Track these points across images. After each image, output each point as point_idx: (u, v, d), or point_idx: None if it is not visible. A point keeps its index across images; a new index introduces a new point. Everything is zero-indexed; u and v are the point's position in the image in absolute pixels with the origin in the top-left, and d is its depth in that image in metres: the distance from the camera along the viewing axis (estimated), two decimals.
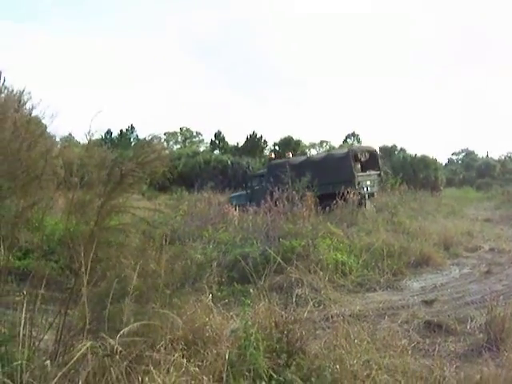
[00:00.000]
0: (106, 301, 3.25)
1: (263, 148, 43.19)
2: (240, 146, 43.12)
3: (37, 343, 3.12)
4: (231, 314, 4.27)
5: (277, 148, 40.52)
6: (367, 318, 5.34)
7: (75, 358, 2.74)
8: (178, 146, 51.14)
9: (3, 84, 4.72)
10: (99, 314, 3.27)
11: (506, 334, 4.53)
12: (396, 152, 37.89)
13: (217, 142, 46.39)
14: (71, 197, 3.49)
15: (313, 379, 3.36)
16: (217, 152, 42.76)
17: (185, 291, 4.91)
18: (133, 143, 39.58)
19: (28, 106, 4.64)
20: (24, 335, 2.93)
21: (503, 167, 43.63)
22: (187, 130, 53.85)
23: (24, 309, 3.02)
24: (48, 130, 4.44)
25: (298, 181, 12.51)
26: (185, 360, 3.16)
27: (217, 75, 79.25)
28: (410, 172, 29.38)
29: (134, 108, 70.49)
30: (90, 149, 3.83)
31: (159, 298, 3.66)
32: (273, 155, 23.36)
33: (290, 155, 18.81)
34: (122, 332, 2.99)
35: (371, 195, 16.08)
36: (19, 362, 2.73)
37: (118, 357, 2.90)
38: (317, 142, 50.62)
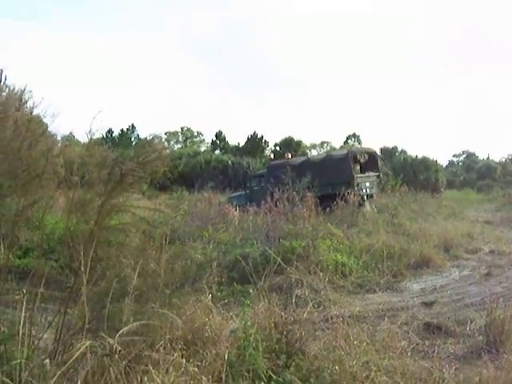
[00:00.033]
0: (106, 300, 3.25)
1: (264, 148, 43.20)
2: (241, 146, 43.14)
3: (36, 342, 3.12)
4: (231, 314, 4.27)
5: (278, 148, 40.52)
6: (367, 319, 5.34)
7: (74, 357, 2.74)
8: (179, 146, 51.19)
9: (4, 82, 4.72)
10: (99, 313, 3.27)
11: (505, 337, 4.52)
12: (397, 153, 37.86)
13: (218, 142, 46.42)
14: (71, 196, 3.49)
15: (312, 380, 3.36)
16: (217, 152, 42.79)
17: (184, 291, 4.90)
18: (134, 142, 39.59)
19: (29, 104, 4.65)
20: (23, 334, 2.94)
21: (504, 169, 43.60)
22: (188, 129, 53.93)
23: (23, 307, 3.02)
24: (49, 129, 4.45)
25: (299, 181, 12.51)
26: (184, 360, 3.16)
27: (217, 75, 79.49)
28: (410, 173, 29.36)
29: (135, 108, 70.65)
30: (91, 148, 3.83)
31: (159, 298, 3.66)
32: (272, 156, 23.34)
33: (289, 156, 18.78)
34: (121, 331, 2.99)
35: (370, 197, 16.08)
36: (18, 360, 2.73)
37: (117, 356, 2.90)
38: (318, 142, 50.78)
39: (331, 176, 14.66)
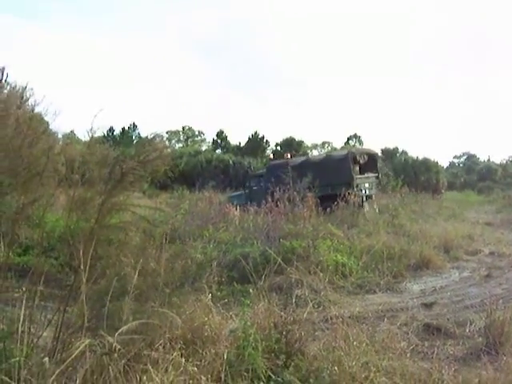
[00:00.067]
0: (106, 299, 3.25)
1: (265, 148, 43.20)
2: (242, 145, 43.14)
3: (35, 340, 3.12)
4: (230, 313, 4.27)
5: (279, 148, 40.52)
6: (366, 319, 5.34)
7: (73, 356, 2.74)
8: (180, 145, 51.21)
9: (6, 80, 4.71)
10: (98, 311, 3.27)
11: (505, 338, 4.52)
12: (398, 154, 37.87)
13: (219, 141, 46.43)
14: (72, 194, 3.49)
15: (311, 380, 3.36)
16: (219, 151, 42.79)
17: (184, 290, 4.90)
18: (135, 141, 39.58)
19: (30, 102, 4.64)
20: (23, 332, 2.93)
21: (505, 171, 43.58)
22: (189, 128, 53.95)
23: (23, 305, 3.02)
24: (50, 127, 4.45)
25: (299, 181, 12.51)
26: (183, 359, 3.16)
27: (217, 75, 79.46)
28: (411, 174, 29.37)
29: (136, 107, 70.55)
30: (92, 146, 3.83)
31: (158, 297, 3.65)
32: (271, 156, 23.32)
33: (289, 156, 18.77)
34: (120, 330, 2.98)
35: (369, 197, 16.10)
36: (17, 358, 2.72)
37: (116, 355, 2.90)
38: (319, 142, 50.75)
39: (331, 176, 14.67)
